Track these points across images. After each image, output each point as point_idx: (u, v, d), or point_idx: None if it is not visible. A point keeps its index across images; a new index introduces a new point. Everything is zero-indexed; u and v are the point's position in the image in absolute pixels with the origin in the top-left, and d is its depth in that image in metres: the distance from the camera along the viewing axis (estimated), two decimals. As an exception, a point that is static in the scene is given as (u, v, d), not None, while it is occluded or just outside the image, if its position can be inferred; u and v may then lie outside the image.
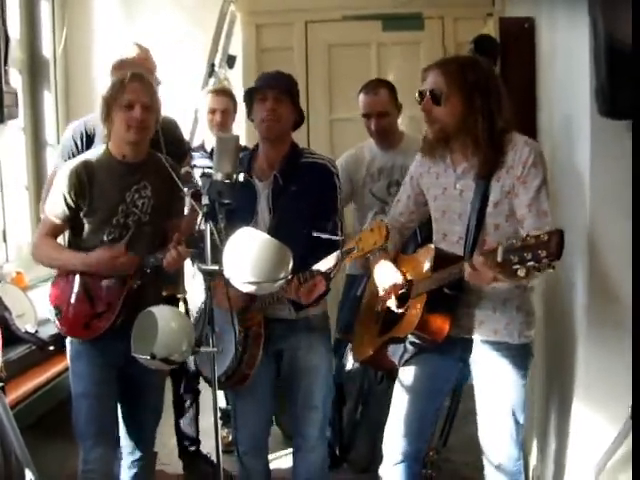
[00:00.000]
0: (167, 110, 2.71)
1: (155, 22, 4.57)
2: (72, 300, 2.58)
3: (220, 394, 3.36)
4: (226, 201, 2.19)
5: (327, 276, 2.37)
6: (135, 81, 2.52)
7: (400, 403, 2.50)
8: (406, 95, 3.12)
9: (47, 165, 4.21)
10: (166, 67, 3.37)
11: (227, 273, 2.11)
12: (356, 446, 3.55)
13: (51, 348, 3.30)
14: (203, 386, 3.38)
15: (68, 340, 2.65)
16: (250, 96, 2.62)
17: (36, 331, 3.37)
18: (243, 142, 2.99)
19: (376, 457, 3.30)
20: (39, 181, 4.21)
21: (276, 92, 2.55)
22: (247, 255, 2.09)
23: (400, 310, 2.42)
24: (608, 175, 2.23)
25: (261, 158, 2.64)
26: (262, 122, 2.57)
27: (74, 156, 2.90)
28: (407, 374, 2.49)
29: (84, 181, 2.52)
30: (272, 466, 2.89)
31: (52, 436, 3.06)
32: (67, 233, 2.68)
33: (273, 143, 2.61)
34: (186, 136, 3.68)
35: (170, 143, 3.04)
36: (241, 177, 2.23)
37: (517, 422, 2.37)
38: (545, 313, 2.89)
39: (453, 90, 2.29)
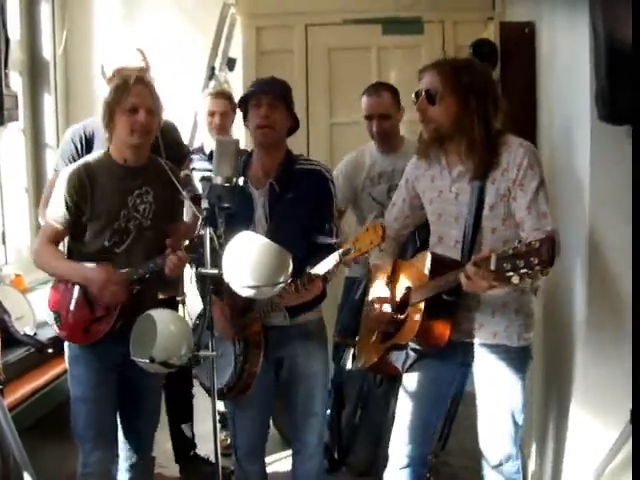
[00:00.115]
0: (166, 112, 2.71)
1: (155, 24, 4.57)
2: (72, 306, 2.57)
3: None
4: (226, 205, 2.18)
5: (324, 278, 2.37)
6: (139, 85, 2.51)
7: (405, 408, 2.51)
8: (406, 99, 3.12)
9: (47, 167, 4.21)
10: (166, 69, 3.36)
11: (227, 277, 2.11)
12: (355, 450, 3.55)
13: (50, 351, 3.30)
14: (197, 390, 3.37)
15: (66, 343, 2.64)
16: (245, 102, 2.62)
17: (35, 333, 3.37)
18: (243, 145, 2.98)
19: (375, 461, 3.33)
20: (39, 183, 4.21)
21: (270, 98, 2.54)
22: (247, 259, 2.09)
23: (401, 317, 2.42)
24: (608, 179, 2.24)
25: (256, 165, 2.63)
26: (257, 128, 2.56)
27: (74, 159, 2.90)
28: (410, 380, 2.50)
29: (86, 185, 2.51)
30: (270, 469, 2.90)
31: (50, 439, 3.06)
32: (67, 238, 2.67)
33: (268, 150, 2.60)
34: (185, 139, 3.68)
35: (170, 147, 3.05)
36: (241, 181, 2.23)
37: (516, 423, 2.38)
38: (544, 317, 2.90)
39: (448, 90, 2.30)
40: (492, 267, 1.95)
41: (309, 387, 2.64)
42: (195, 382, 3.21)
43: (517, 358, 2.36)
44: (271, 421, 3.11)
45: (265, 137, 2.56)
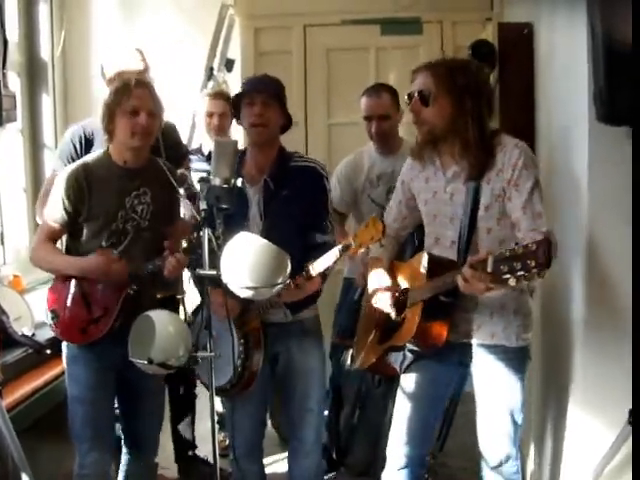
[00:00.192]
0: (166, 113, 2.70)
1: (154, 24, 4.56)
2: (68, 302, 2.57)
3: (217, 399, 3.36)
4: (224, 206, 2.18)
5: (323, 275, 2.37)
6: (140, 87, 2.52)
7: (403, 409, 2.51)
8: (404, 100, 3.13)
9: (45, 168, 4.19)
10: (164, 70, 3.36)
11: (225, 278, 2.11)
12: (353, 450, 3.55)
13: (48, 351, 3.29)
14: (199, 391, 3.37)
15: (64, 344, 2.64)
16: (238, 101, 2.62)
17: (33, 334, 3.36)
18: (241, 146, 2.98)
19: (373, 461, 3.32)
20: (37, 183, 4.19)
21: (264, 96, 2.54)
22: (245, 260, 2.09)
23: (398, 318, 2.42)
24: (607, 180, 2.24)
25: (249, 163, 2.63)
26: (251, 127, 2.57)
27: (73, 160, 2.90)
28: (408, 381, 2.50)
29: (83, 186, 2.51)
30: (268, 470, 2.89)
31: (48, 439, 3.06)
32: (65, 238, 2.67)
33: (262, 148, 2.61)
34: (184, 140, 3.67)
35: (169, 147, 3.05)
36: (239, 182, 2.23)
37: (515, 423, 2.39)
38: (543, 317, 2.90)
39: (442, 91, 2.30)
40: (489, 269, 1.94)
41: (305, 383, 2.64)
42: (197, 382, 3.21)
43: (516, 358, 2.37)
44: (269, 421, 3.11)
45: (259, 135, 2.57)
